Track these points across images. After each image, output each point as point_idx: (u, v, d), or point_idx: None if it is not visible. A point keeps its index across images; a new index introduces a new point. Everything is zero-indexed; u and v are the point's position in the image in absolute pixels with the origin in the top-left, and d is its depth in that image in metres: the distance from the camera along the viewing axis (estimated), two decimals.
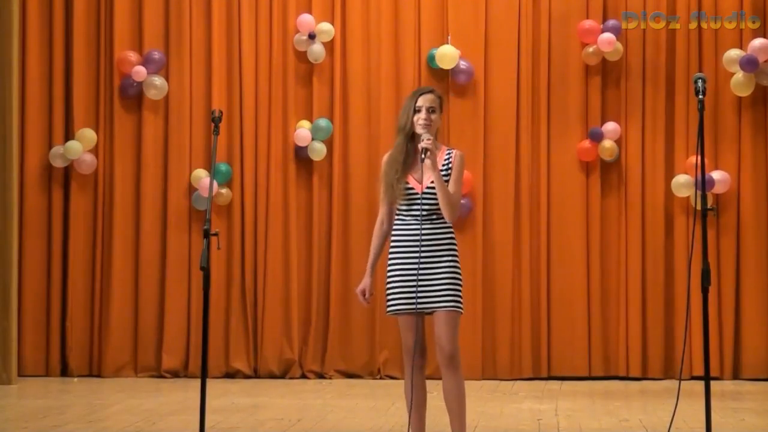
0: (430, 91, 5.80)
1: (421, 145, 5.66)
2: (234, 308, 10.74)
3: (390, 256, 5.77)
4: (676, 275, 10.54)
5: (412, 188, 5.71)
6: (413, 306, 5.67)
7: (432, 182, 5.67)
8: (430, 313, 5.72)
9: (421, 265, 5.66)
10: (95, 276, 10.78)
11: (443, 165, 5.73)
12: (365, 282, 5.85)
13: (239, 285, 10.75)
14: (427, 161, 5.63)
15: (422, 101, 5.74)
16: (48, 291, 10.76)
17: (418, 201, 5.68)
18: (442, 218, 5.71)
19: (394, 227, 5.78)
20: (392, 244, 5.77)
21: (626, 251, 10.59)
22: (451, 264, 5.70)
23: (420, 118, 5.71)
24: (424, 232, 5.68)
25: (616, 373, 10.57)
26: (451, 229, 5.76)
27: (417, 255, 5.66)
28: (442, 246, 5.71)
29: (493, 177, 10.71)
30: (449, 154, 5.78)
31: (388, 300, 5.75)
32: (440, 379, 5.77)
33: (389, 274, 5.75)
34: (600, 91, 10.68)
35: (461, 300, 5.71)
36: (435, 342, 5.71)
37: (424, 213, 5.69)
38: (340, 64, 10.79)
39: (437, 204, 5.69)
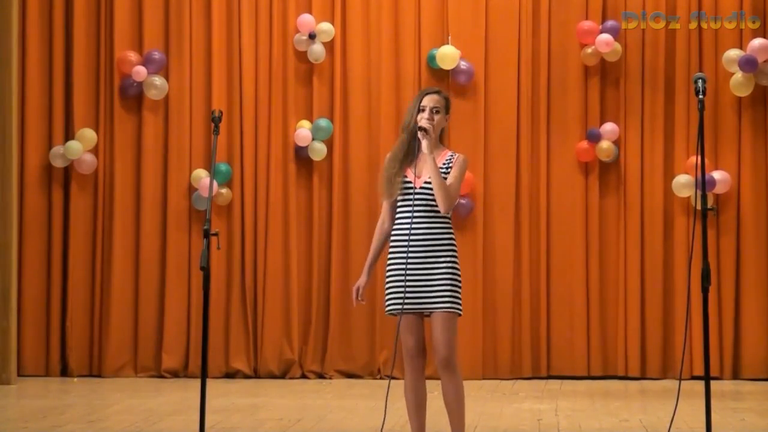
0: (436, 92, 5.79)
1: (419, 125, 5.65)
2: (234, 308, 10.73)
3: (389, 254, 5.74)
4: (676, 275, 10.54)
5: (409, 181, 5.68)
6: (409, 306, 5.62)
7: (430, 178, 5.63)
8: (429, 315, 5.68)
9: (419, 264, 5.62)
10: (95, 276, 10.78)
11: (444, 164, 5.70)
12: (360, 281, 5.82)
13: (239, 285, 10.74)
14: (424, 142, 5.61)
15: (427, 101, 5.73)
16: (48, 291, 10.76)
17: (414, 195, 5.65)
18: (442, 216, 5.67)
19: (394, 225, 5.74)
20: (391, 241, 5.73)
21: (625, 251, 10.59)
22: (450, 264, 5.64)
23: (423, 117, 5.69)
24: (422, 229, 5.64)
25: (615, 372, 10.57)
26: (451, 228, 5.71)
27: (412, 252, 5.63)
28: (440, 245, 5.66)
29: (493, 177, 10.72)
30: (452, 156, 5.76)
31: (386, 300, 5.72)
32: (440, 379, 5.75)
33: (387, 272, 5.72)
34: (599, 91, 10.69)
35: (460, 301, 5.66)
36: (432, 344, 5.68)
37: (421, 209, 5.65)
38: (340, 64, 10.79)
39: (435, 200, 5.65)
